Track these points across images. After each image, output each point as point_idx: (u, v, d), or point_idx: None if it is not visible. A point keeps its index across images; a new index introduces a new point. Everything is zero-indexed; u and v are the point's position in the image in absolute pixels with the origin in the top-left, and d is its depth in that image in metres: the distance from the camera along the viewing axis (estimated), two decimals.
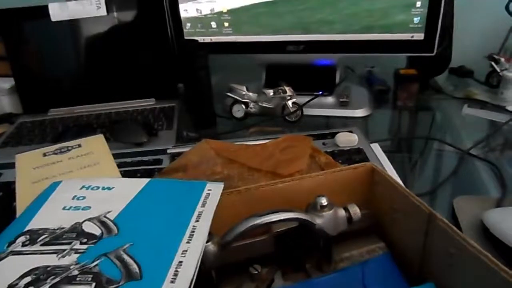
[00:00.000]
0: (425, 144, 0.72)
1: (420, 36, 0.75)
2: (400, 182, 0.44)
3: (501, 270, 0.26)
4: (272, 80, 0.88)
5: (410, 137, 0.75)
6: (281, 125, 0.79)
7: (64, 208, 0.36)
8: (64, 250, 0.30)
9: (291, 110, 0.78)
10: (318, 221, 0.33)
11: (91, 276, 0.28)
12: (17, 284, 0.27)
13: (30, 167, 0.51)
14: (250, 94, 0.81)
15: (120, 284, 0.27)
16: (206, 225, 0.32)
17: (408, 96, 0.82)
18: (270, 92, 0.79)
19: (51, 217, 0.35)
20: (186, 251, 0.29)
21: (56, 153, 0.55)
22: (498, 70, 0.85)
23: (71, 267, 0.28)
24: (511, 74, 0.77)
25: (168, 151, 0.64)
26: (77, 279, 0.27)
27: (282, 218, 0.31)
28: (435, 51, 0.75)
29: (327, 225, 0.33)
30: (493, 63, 0.87)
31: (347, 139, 0.62)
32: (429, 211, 0.33)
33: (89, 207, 0.35)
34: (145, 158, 0.64)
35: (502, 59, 0.85)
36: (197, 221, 0.32)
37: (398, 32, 0.76)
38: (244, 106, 0.81)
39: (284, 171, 0.52)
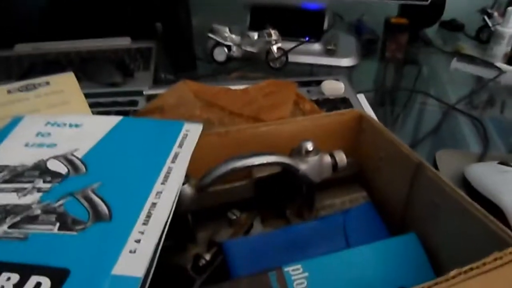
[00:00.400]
0: (409, 96, 0.70)
1: None
2: None
3: (490, 221, 0.25)
4: (256, 23, 0.82)
5: (396, 88, 0.73)
6: (264, 71, 0.75)
7: (26, 145, 0.32)
8: (25, 188, 0.28)
9: (276, 56, 0.74)
10: (302, 166, 0.31)
11: (55, 216, 0.25)
12: None
13: None
14: (233, 36, 0.76)
15: (88, 225, 0.25)
16: (183, 166, 0.30)
17: (397, 47, 0.79)
18: (255, 35, 0.75)
19: (11, 154, 0.31)
20: (161, 192, 0.27)
21: (21, 91, 0.50)
22: (490, 24, 0.82)
23: (33, 206, 0.26)
24: (504, 29, 0.75)
25: (144, 92, 0.60)
26: (40, 218, 0.25)
27: (264, 161, 0.29)
28: (429, 0, 0.71)
29: (311, 171, 0.32)
30: (485, 17, 0.84)
31: (333, 87, 0.59)
32: (418, 160, 0.31)
33: (55, 145, 0.32)
34: (119, 99, 0.60)
35: (495, 14, 0.82)
36: (173, 162, 0.30)
37: None
38: (226, 49, 0.76)
39: (266, 117, 0.49)
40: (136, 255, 0.23)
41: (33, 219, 0.25)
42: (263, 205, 0.35)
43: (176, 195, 0.27)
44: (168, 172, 0.29)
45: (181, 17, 0.72)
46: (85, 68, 0.71)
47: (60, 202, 0.26)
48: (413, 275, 0.30)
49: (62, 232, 0.24)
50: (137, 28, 0.86)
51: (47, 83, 0.51)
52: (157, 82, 0.72)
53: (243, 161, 0.29)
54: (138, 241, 0.23)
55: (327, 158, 0.32)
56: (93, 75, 0.69)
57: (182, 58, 0.77)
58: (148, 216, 0.25)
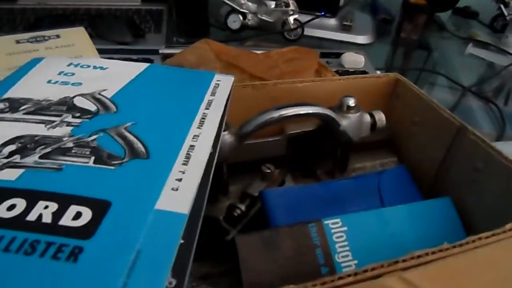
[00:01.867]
0: (419, 77, 0.70)
1: None
2: None
3: None
4: None
5: (415, 68, 0.73)
6: (278, 42, 0.74)
7: (49, 82, 0.30)
8: (54, 121, 0.26)
9: (292, 27, 0.73)
10: (343, 122, 0.30)
11: (89, 150, 0.24)
12: None
13: (2, 53, 0.44)
14: (249, 4, 0.74)
15: (125, 160, 0.23)
16: (218, 113, 0.29)
17: (414, 28, 0.78)
18: (272, 4, 0.73)
19: (33, 89, 0.29)
20: (198, 136, 0.26)
21: (31, 42, 0.48)
22: (506, 13, 0.82)
23: (64, 138, 0.24)
24: None
25: (160, 51, 0.58)
26: (73, 151, 0.23)
27: (309, 111, 0.28)
28: None
29: (351, 128, 0.31)
30: (502, 6, 0.83)
31: (354, 59, 0.58)
32: (460, 123, 0.31)
33: (80, 83, 0.30)
34: (133, 57, 0.58)
35: None
36: (207, 108, 0.29)
37: None
38: (241, 17, 0.74)
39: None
40: (179, 193, 0.22)
41: (65, 151, 0.23)
42: (294, 163, 0.34)
43: (213, 139, 0.26)
44: (203, 118, 0.28)
45: None
46: (95, 25, 0.68)
47: (93, 137, 0.25)
48: (447, 237, 0.30)
49: (98, 165, 0.23)
50: None
51: (57, 36, 0.49)
52: (168, 44, 0.70)
53: (285, 110, 0.28)
54: (179, 179, 0.23)
55: (367, 117, 0.32)
56: (103, 33, 0.67)
57: (194, 24, 0.74)
58: (188, 157, 0.24)
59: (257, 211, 0.29)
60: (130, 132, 0.26)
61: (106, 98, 0.29)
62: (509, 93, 0.71)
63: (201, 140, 0.26)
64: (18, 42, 0.47)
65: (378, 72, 0.63)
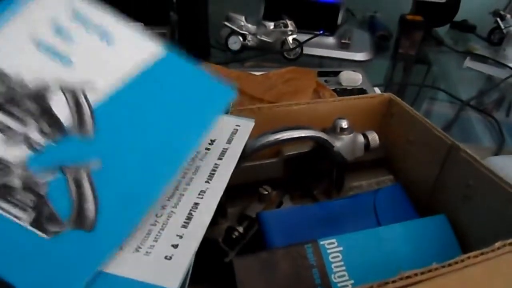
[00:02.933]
0: (420, 92, 0.71)
1: None
2: None
3: None
4: (270, 14, 0.82)
5: (414, 83, 0.74)
6: (278, 62, 0.75)
7: (38, 45, 0.23)
8: (15, 133, 0.21)
9: (291, 46, 0.74)
10: (337, 143, 0.31)
11: (34, 200, 0.20)
12: None
13: None
14: (249, 25, 0.76)
15: (63, 229, 0.19)
16: (230, 165, 0.26)
17: (411, 44, 0.80)
18: (271, 25, 0.75)
19: (14, 50, 0.22)
20: (204, 192, 0.24)
21: None
22: (503, 27, 0.83)
23: (14, 170, 0.20)
24: None
25: None
26: (17, 196, 0.19)
27: (302, 135, 0.29)
28: None
29: (345, 149, 0.32)
30: (498, 19, 0.85)
31: (351, 77, 0.60)
32: (451, 142, 0.32)
33: (71, 63, 0.23)
34: None
35: (508, 16, 0.83)
36: (220, 159, 0.26)
37: None
38: (241, 38, 0.76)
39: (281, 103, 0.49)
40: (172, 263, 0.20)
41: (8, 192, 0.19)
42: (291, 184, 0.35)
43: (219, 196, 0.24)
44: (214, 170, 0.25)
45: (199, 5, 0.72)
46: None
47: (47, 178, 0.20)
48: (442, 254, 0.30)
49: (32, 229, 0.19)
50: (150, 14, 0.86)
51: None
52: None
53: (280, 134, 0.30)
54: (175, 246, 0.20)
55: (360, 137, 0.33)
56: None
57: (196, 45, 0.77)
58: (189, 218, 0.22)
59: (255, 232, 0.30)
60: (89, 181, 0.21)
61: (89, 107, 0.23)
62: (510, 106, 0.71)
63: (207, 198, 0.23)
64: None
65: (376, 88, 0.64)
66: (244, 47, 0.77)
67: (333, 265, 0.27)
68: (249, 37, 0.76)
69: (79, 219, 0.20)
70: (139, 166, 0.22)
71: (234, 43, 0.77)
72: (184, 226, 0.22)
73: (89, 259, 0.19)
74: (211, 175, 0.25)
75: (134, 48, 0.27)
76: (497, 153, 0.53)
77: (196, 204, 0.23)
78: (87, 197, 0.20)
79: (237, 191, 0.34)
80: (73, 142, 0.22)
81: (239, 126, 0.30)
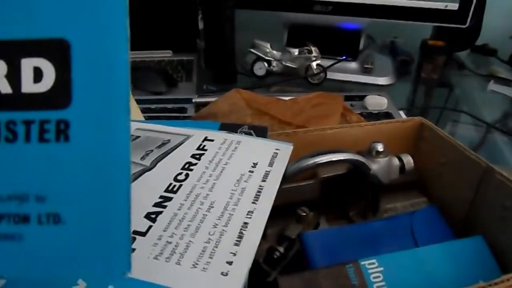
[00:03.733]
0: (440, 114, 0.71)
1: (454, 6, 0.73)
2: None
3: None
4: (294, 40, 0.85)
5: (438, 107, 0.75)
6: (302, 87, 0.77)
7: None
8: None
9: (315, 72, 0.76)
10: (373, 166, 0.32)
11: None
12: None
13: None
14: (274, 52, 0.79)
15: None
16: (274, 187, 0.28)
17: (433, 68, 0.81)
18: (295, 51, 0.77)
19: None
20: (252, 212, 0.26)
21: None
22: None
23: None
24: None
25: (193, 100, 0.63)
26: None
27: (341, 158, 0.31)
28: (467, 23, 0.73)
29: (381, 172, 0.33)
30: None
31: (377, 102, 0.61)
32: (486, 164, 0.32)
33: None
34: (168, 106, 0.62)
35: None
36: (264, 181, 0.28)
37: (432, 0, 0.74)
38: (266, 64, 0.79)
39: (315, 127, 0.51)
40: (229, 279, 0.21)
41: None
42: (327, 205, 0.36)
43: (267, 216, 0.26)
44: (259, 191, 0.28)
45: (227, 31, 0.75)
46: (131, 77, 0.74)
47: None
48: (482, 275, 0.31)
49: None
50: (179, 42, 0.90)
51: None
52: (199, 93, 0.75)
53: (318, 157, 0.31)
54: (230, 262, 0.22)
55: (396, 160, 0.34)
56: (139, 84, 0.72)
57: (223, 72, 0.79)
58: (240, 237, 0.24)
59: (295, 253, 0.31)
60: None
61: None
62: None
63: (255, 218, 0.25)
64: None
65: (401, 112, 0.65)
66: (269, 73, 0.80)
67: (375, 285, 0.28)
68: (274, 63, 0.79)
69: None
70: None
71: (260, 69, 0.80)
72: (236, 244, 0.23)
73: None
74: (257, 196, 0.27)
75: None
76: None
77: (246, 223, 0.24)
78: None
79: (275, 212, 0.35)
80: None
81: (278, 149, 0.32)
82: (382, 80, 0.80)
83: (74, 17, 0.15)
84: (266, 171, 0.29)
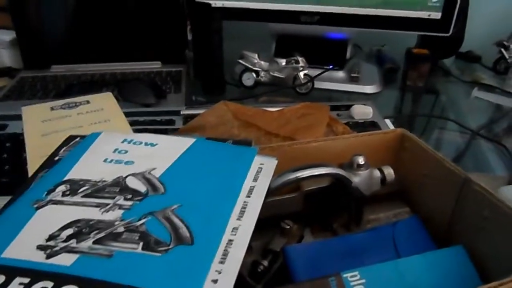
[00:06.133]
0: (428, 123, 0.73)
1: (437, 15, 0.75)
2: None
3: None
4: (282, 50, 0.86)
5: (423, 114, 0.76)
6: (290, 96, 0.78)
7: (105, 161, 0.32)
8: (107, 204, 0.28)
9: (303, 82, 0.77)
10: (355, 179, 0.33)
11: (138, 235, 0.25)
12: (58, 235, 0.25)
13: (38, 120, 0.49)
14: (262, 62, 0.80)
15: (170, 247, 0.24)
16: (259, 202, 0.29)
17: (419, 76, 0.82)
18: (283, 61, 0.78)
19: (92, 168, 0.32)
20: (237, 229, 0.26)
21: (64, 108, 0.53)
22: (507, 56, 0.86)
23: (116, 223, 0.26)
24: None
25: (181, 112, 0.63)
26: (123, 236, 0.25)
27: (322, 172, 0.31)
28: (450, 32, 0.75)
29: (362, 184, 0.34)
30: (502, 49, 0.87)
31: (363, 111, 0.62)
32: (465, 175, 0.33)
33: (132, 162, 0.32)
34: (157, 118, 0.63)
35: None
36: (248, 196, 0.29)
37: (415, 10, 0.76)
38: (254, 75, 0.80)
39: (301, 138, 0.51)
40: None
41: (117, 236, 0.25)
42: (312, 217, 0.37)
43: (251, 232, 0.26)
44: (244, 207, 0.28)
45: (215, 42, 0.76)
46: (120, 89, 0.74)
47: (142, 221, 0.26)
48: (463, 284, 0.31)
49: (145, 252, 0.24)
50: (167, 53, 0.91)
51: (87, 101, 0.55)
52: (188, 104, 0.75)
53: (301, 172, 0.31)
54: (215, 281, 0.22)
55: (377, 173, 0.34)
56: (129, 95, 0.72)
57: (212, 82, 0.80)
58: (225, 254, 0.24)
59: (279, 266, 0.31)
60: (175, 215, 0.26)
61: (155, 178, 0.30)
62: None
63: (240, 234, 0.25)
64: (52, 108, 0.52)
65: (387, 120, 0.66)
66: (257, 83, 0.80)
67: None
68: (262, 74, 0.80)
69: (179, 238, 0.24)
70: (202, 207, 0.28)
71: (248, 79, 0.80)
72: (222, 262, 0.23)
73: (198, 265, 0.23)
74: (242, 213, 0.27)
75: (173, 142, 0.35)
76: (509, 182, 0.54)
77: (231, 241, 0.25)
78: (179, 225, 0.25)
79: (260, 225, 0.36)
80: (152, 199, 0.28)
81: (263, 164, 0.32)
82: (368, 89, 0.81)
83: (167, 277, 0.23)
84: (251, 186, 0.30)
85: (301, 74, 0.77)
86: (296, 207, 0.37)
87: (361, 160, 0.33)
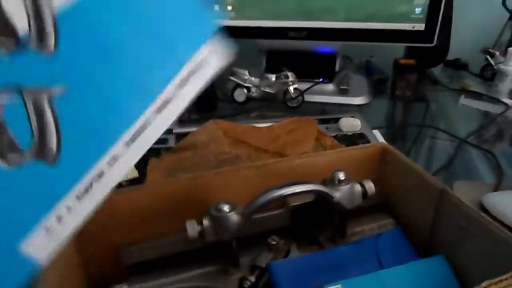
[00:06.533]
0: (420, 132, 0.74)
1: (421, 26, 0.77)
2: None
3: None
4: (272, 66, 0.88)
5: (412, 124, 0.77)
6: (282, 111, 0.80)
7: None
8: None
9: (293, 96, 0.79)
10: (336, 194, 0.34)
11: None
12: None
13: None
14: (252, 78, 0.81)
15: (24, 158, 0.17)
16: (194, 91, 0.22)
17: (407, 85, 0.84)
18: (273, 77, 0.80)
19: None
20: (116, 159, 0.20)
21: None
22: (493, 63, 0.88)
23: None
24: (506, 67, 0.80)
25: (173, 130, 0.64)
26: None
27: (303, 189, 0.33)
28: (434, 42, 0.77)
29: (344, 199, 0.35)
30: (488, 56, 0.89)
31: (351, 123, 0.63)
32: (442, 187, 0.34)
33: None
34: None
35: (497, 53, 0.87)
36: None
37: (399, 22, 0.78)
38: (245, 91, 0.81)
39: (290, 152, 0.53)
40: (50, 237, 0.18)
41: None
42: (298, 232, 0.38)
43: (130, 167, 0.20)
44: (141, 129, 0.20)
45: None
46: None
47: (2, 97, 0.17)
48: None
49: None
50: None
51: None
52: (181, 121, 0.77)
53: (284, 189, 0.33)
54: (59, 218, 0.18)
55: (358, 187, 0.36)
56: None
57: (204, 99, 0.82)
58: (86, 190, 0.19)
59: (266, 282, 0.33)
60: (52, 111, 0.17)
61: (51, 12, 0.17)
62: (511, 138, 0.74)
63: (116, 168, 0.19)
64: None
65: (376, 131, 0.67)
66: (249, 99, 0.82)
67: None
68: (253, 89, 0.81)
69: (41, 150, 0.17)
70: (109, 92, 0.18)
71: (239, 95, 0.82)
72: (78, 198, 0.19)
73: (52, 193, 0.18)
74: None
75: None
76: (496, 188, 0.55)
77: (102, 172, 0.19)
78: (49, 127, 0.17)
79: (247, 241, 0.37)
80: (30, 56, 0.17)
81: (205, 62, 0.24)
82: (358, 100, 0.82)
83: None
84: (190, 71, 0.23)
85: (291, 88, 0.79)
86: (282, 223, 0.38)
87: (341, 176, 0.35)
